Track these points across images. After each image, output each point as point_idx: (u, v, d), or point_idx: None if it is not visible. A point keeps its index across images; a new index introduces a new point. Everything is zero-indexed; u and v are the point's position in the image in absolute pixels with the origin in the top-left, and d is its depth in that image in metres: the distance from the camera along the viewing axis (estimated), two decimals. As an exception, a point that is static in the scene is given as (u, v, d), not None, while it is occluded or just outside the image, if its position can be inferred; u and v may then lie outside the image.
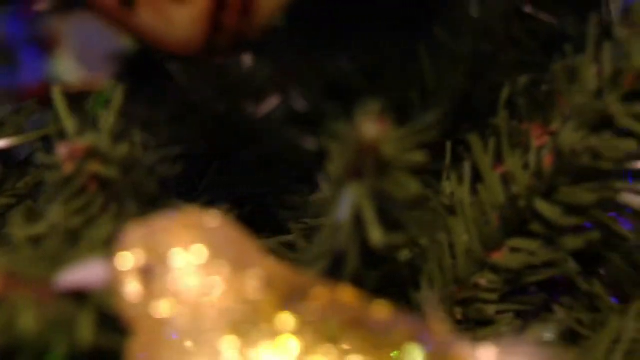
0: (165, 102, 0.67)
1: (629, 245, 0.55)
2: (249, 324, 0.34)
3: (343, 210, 0.42)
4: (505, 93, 0.56)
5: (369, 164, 0.41)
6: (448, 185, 0.57)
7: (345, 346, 0.34)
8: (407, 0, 0.71)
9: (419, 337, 0.35)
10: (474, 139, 0.54)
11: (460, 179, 0.56)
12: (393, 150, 0.41)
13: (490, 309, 0.55)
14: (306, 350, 0.34)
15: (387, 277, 0.53)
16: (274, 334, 0.34)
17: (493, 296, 0.55)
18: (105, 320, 0.38)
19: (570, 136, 0.51)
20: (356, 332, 0.34)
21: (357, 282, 0.47)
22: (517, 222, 0.54)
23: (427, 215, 0.52)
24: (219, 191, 0.64)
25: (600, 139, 0.51)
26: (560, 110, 0.52)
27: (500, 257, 0.54)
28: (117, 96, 0.44)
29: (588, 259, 0.57)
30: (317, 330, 0.34)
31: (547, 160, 0.52)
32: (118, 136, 0.45)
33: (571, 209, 0.52)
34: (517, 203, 0.53)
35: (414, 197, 0.42)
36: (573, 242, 0.53)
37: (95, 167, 0.44)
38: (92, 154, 0.44)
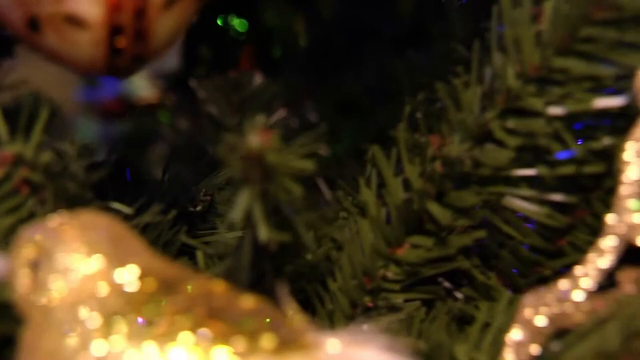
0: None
1: (514, 243, 0.53)
2: (120, 314, 0.33)
3: (236, 211, 0.41)
4: (407, 109, 0.54)
5: (255, 171, 0.40)
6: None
7: (203, 334, 0.32)
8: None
9: (273, 326, 0.33)
10: (376, 150, 0.53)
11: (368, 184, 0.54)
12: (277, 159, 0.40)
13: (397, 298, 0.54)
14: (164, 338, 0.32)
15: (306, 269, 0.52)
16: (140, 323, 0.33)
17: (397, 286, 0.54)
18: (4, 309, 0.36)
19: (456, 147, 0.50)
20: (216, 321, 0.33)
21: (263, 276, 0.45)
22: (415, 222, 0.53)
23: (318, 216, 0.51)
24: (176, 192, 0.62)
25: (481, 149, 0.50)
26: (449, 124, 0.51)
27: (402, 252, 0.54)
28: (44, 112, 0.42)
29: (486, 254, 0.55)
30: (179, 319, 0.33)
31: (439, 168, 0.51)
32: (43, 145, 0.43)
33: (458, 211, 0.51)
34: (412, 205, 0.51)
35: (302, 200, 0.41)
36: (461, 240, 0.52)
37: (23, 172, 0.43)
38: (19, 161, 0.43)
